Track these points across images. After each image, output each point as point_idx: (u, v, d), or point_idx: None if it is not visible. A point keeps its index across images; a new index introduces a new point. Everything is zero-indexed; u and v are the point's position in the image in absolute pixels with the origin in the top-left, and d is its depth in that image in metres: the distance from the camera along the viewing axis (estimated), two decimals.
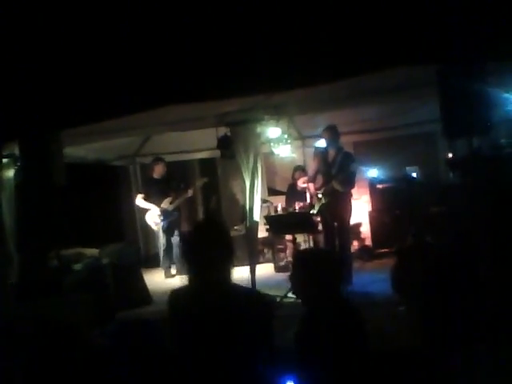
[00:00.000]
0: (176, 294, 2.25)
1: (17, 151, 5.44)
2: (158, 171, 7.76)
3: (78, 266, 5.43)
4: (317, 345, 2.26)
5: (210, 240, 2.19)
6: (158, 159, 7.88)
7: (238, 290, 2.21)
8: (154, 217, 7.60)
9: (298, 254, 2.85)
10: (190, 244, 2.27)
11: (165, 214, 7.57)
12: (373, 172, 8.59)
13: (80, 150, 7.39)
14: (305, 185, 6.99)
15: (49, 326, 1.93)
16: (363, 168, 8.10)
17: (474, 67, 3.87)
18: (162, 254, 7.71)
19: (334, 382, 2.21)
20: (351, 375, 2.19)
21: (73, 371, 2.11)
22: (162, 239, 7.64)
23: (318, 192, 6.48)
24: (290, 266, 4.76)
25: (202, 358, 1.96)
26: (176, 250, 7.62)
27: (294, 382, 2.39)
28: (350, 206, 6.49)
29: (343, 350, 2.20)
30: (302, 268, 2.48)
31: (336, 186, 6.31)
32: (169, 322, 2.18)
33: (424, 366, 2.01)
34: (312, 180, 6.70)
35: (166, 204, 7.61)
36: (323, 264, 2.46)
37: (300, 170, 8.33)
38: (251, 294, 2.37)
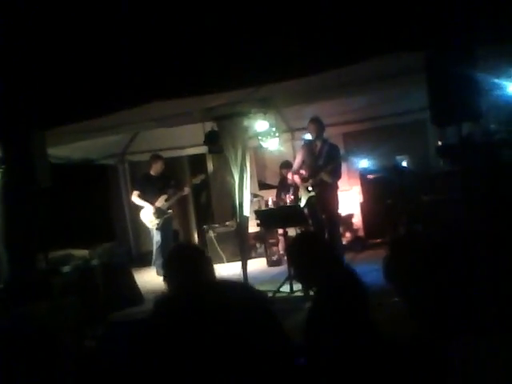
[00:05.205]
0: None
1: (0, 152, 5.34)
2: (156, 168, 7.66)
3: (66, 268, 5.35)
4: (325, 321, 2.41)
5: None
6: (156, 156, 7.76)
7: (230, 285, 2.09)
8: (148, 215, 7.53)
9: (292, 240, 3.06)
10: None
11: (159, 211, 7.50)
12: (363, 162, 8.55)
13: (65, 149, 7.28)
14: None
15: (29, 331, 1.84)
16: (354, 159, 8.07)
17: (464, 52, 3.79)
18: (155, 252, 7.64)
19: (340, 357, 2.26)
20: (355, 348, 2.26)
21: (59, 376, 2.03)
22: (156, 237, 7.57)
23: (307, 184, 6.44)
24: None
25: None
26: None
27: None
28: (337, 197, 6.50)
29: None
30: (298, 252, 2.71)
31: (325, 177, 6.30)
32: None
33: (419, 356, 1.96)
34: (296, 172, 6.67)
35: (161, 202, 7.53)
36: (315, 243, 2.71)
37: (286, 166, 8.25)
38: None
